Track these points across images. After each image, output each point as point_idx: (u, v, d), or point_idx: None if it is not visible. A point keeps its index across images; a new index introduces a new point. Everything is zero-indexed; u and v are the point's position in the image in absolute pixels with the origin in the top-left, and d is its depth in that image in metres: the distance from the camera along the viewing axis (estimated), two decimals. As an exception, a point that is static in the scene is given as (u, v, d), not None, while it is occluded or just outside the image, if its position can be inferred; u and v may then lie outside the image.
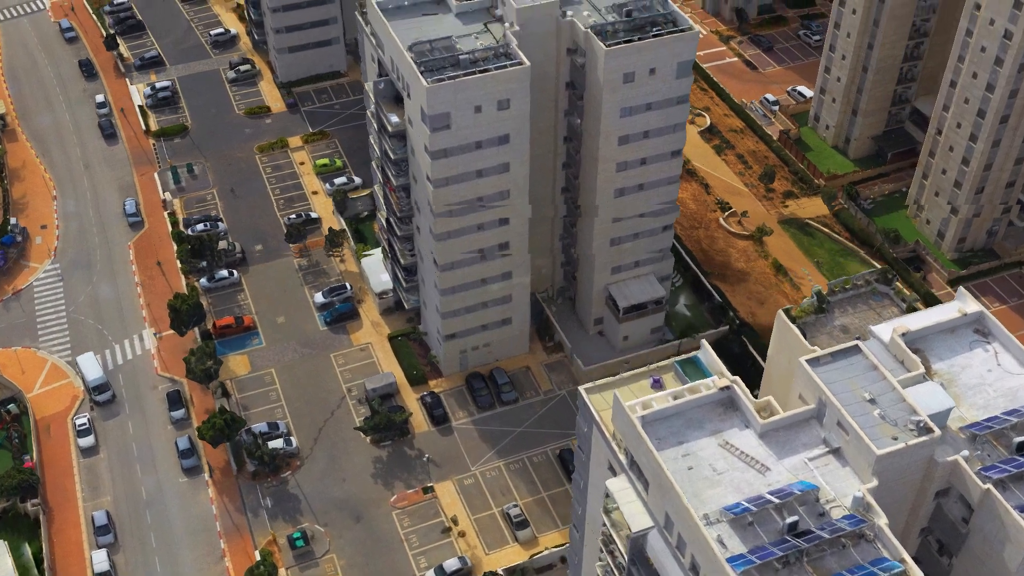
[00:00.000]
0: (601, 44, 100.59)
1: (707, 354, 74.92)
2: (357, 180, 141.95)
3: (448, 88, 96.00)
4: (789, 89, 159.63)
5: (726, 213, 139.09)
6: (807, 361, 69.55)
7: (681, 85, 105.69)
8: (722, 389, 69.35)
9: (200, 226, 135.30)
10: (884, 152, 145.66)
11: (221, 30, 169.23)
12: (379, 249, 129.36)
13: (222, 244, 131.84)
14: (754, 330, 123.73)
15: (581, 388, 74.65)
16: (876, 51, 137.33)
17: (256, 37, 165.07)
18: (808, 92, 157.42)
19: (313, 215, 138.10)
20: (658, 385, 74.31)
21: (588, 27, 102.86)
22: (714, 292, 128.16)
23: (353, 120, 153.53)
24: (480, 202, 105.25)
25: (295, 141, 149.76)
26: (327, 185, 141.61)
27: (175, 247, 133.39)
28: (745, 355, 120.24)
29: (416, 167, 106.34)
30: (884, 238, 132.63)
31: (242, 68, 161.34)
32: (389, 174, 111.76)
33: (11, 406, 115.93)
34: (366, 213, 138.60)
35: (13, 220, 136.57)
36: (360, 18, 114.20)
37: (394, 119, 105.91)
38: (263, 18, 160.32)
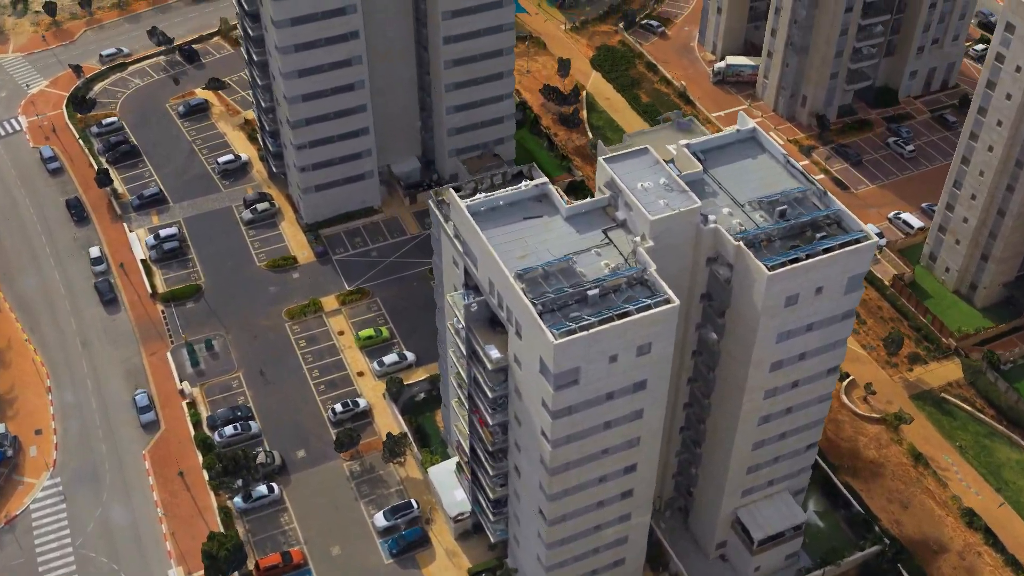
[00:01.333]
0: (761, 266, 79.68)
1: None
2: (410, 357, 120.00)
3: (580, 343, 74.60)
4: (891, 216, 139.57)
5: (845, 382, 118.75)
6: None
7: (849, 300, 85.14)
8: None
9: (229, 429, 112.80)
10: (1018, 302, 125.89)
11: (230, 157, 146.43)
12: (452, 461, 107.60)
13: (259, 457, 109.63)
14: (906, 549, 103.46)
15: None
16: (1019, 195, 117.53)
17: (274, 169, 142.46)
18: (913, 220, 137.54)
19: (362, 403, 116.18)
20: None
21: (737, 236, 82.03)
22: (850, 497, 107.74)
23: (394, 271, 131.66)
24: (605, 454, 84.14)
25: (330, 302, 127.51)
26: (375, 364, 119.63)
27: (200, 456, 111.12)
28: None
29: (522, 410, 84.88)
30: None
31: (259, 207, 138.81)
32: (482, 407, 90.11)
33: None
34: (423, 396, 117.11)
35: (1, 427, 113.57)
36: (435, 209, 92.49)
37: (494, 354, 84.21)
38: (282, 150, 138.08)
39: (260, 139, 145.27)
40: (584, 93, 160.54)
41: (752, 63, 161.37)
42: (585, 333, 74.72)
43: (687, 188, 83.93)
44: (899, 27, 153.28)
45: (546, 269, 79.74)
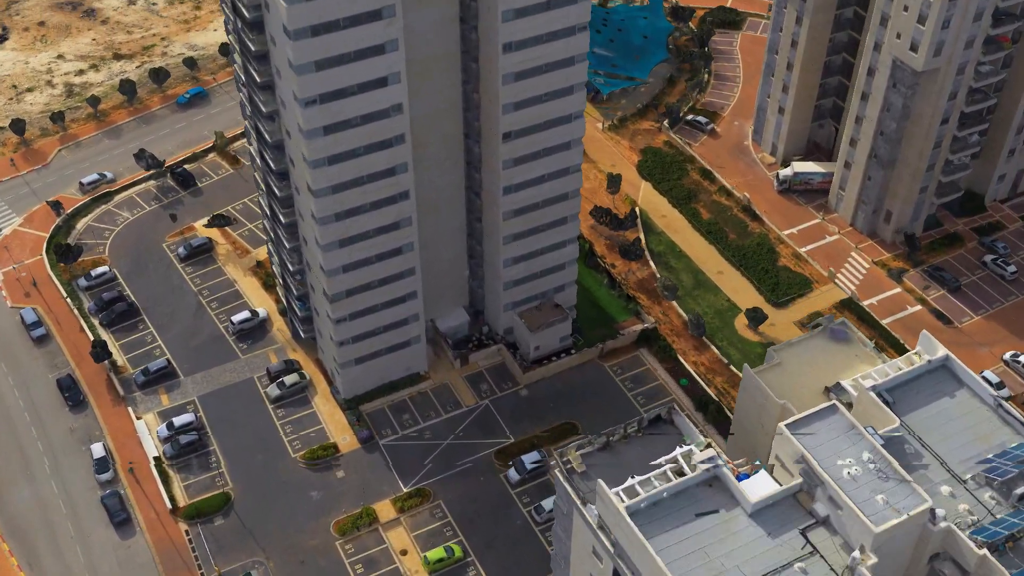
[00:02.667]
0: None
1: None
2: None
3: None
4: (1008, 358, 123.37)
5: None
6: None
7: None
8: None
9: None
10: None
11: (246, 315, 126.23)
12: None
13: None
14: None
15: None
16: None
17: (302, 334, 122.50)
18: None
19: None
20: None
21: (977, 539, 64.57)
22: None
23: (455, 458, 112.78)
24: None
25: (385, 510, 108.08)
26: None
27: None
28: None
29: None
30: None
31: (287, 381, 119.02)
32: None
33: None
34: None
35: None
36: (566, 483, 73.66)
37: None
38: (312, 314, 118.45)
39: (282, 298, 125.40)
40: (637, 210, 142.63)
41: (822, 170, 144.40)
42: None
43: (906, 476, 66.24)
44: (988, 130, 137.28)
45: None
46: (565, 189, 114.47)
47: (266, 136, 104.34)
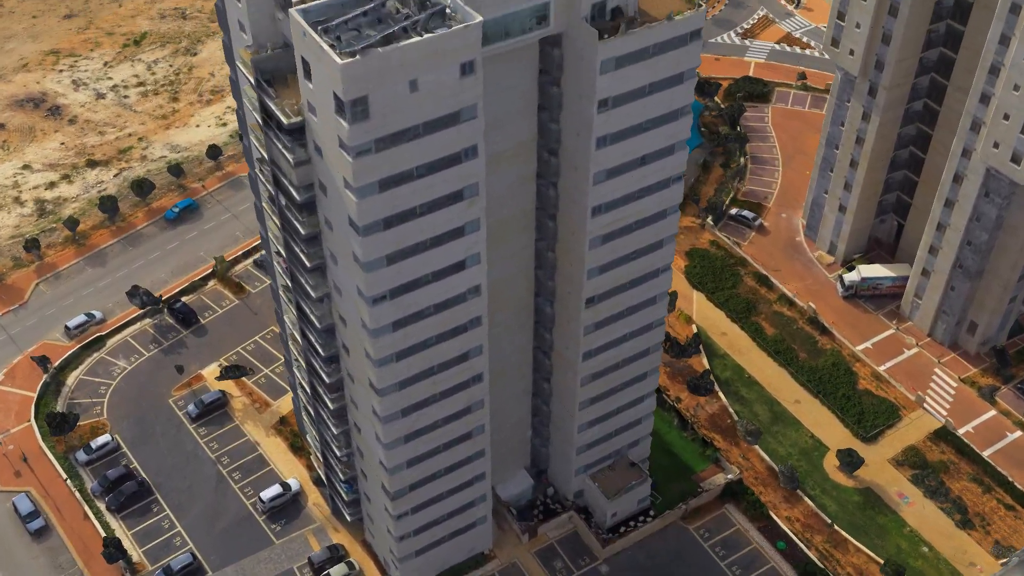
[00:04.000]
0: None
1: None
2: None
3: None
4: None
5: None
6: None
7: None
8: None
9: None
10: None
11: (277, 489, 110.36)
12: None
13: None
14: None
15: None
16: None
17: (348, 518, 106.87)
18: None
19: None
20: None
21: None
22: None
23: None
24: None
25: None
26: None
27: None
28: None
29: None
30: None
31: (334, 574, 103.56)
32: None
33: None
34: None
35: None
36: None
37: None
38: (361, 499, 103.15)
39: (320, 472, 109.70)
40: (695, 328, 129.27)
41: (892, 274, 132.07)
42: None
43: None
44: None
45: None
46: (647, 344, 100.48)
47: (314, 320, 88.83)
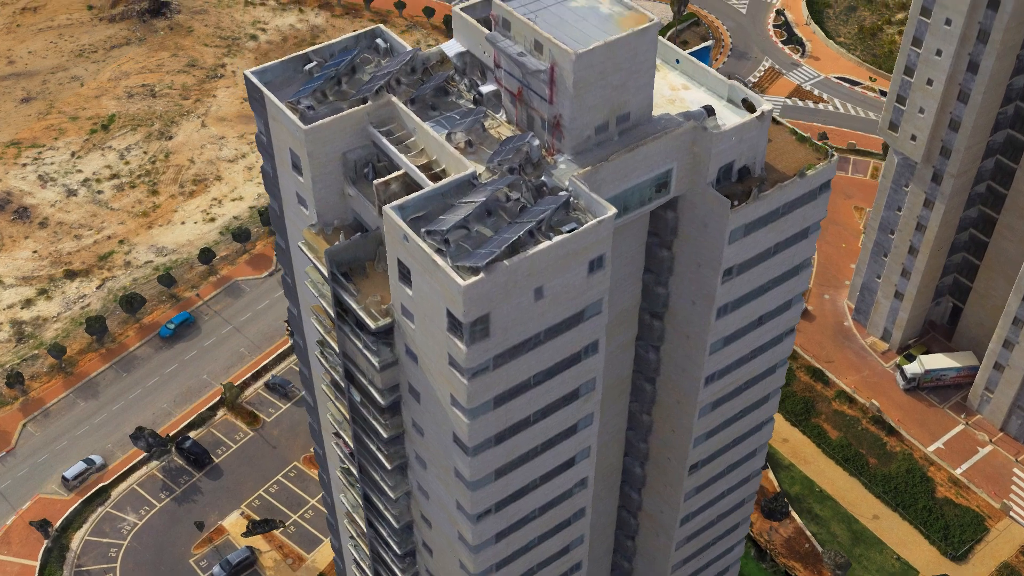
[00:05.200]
0: None
1: None
2: None
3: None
4: None
5: None
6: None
7: None
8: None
9: None
10: None
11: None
12: None
13: None
14: None
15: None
16: None
17: None
18: None
19: None
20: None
21: None
22: None
23: None
24: None
25: None
26: None
27: None
28: None
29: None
30: None
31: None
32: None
33: None
34: None
35: None
36: None
37: None
38: None
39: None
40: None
41: (957, 365, 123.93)
42: None
43: None
44: None
45: None
46: (743, 496, 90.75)
47: (389, 518, 77.38)
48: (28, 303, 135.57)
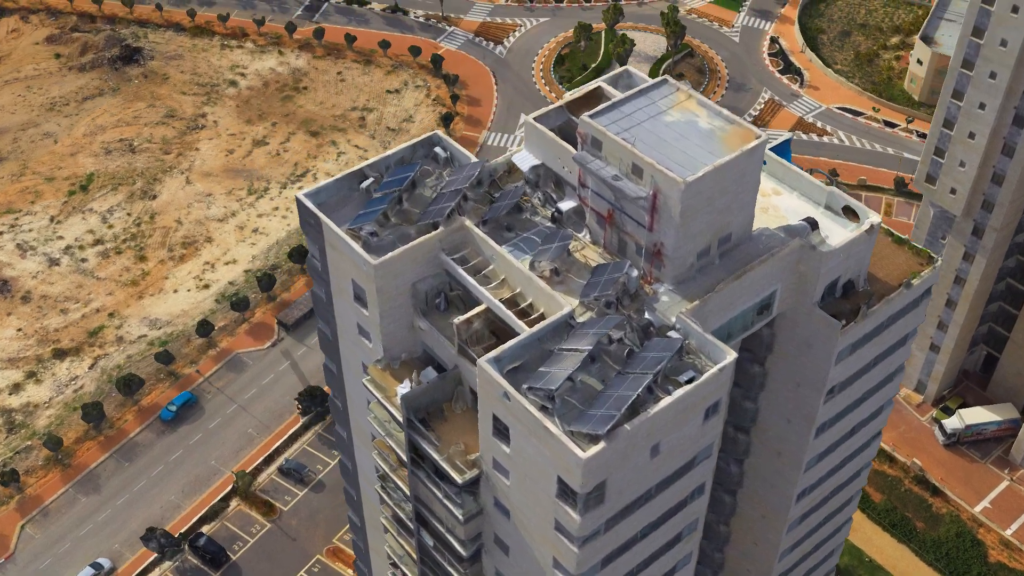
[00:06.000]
0: None
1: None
2: None
3: None
4: None
5: None
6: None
7: None
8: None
9: None
10: None
11: None
12: None
13: None
14: None
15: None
16: None
17: None
18: None
19: None
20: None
21: None
22: None
23: None
24: None
25: None
26: None
27: None
28: None
29: None
30: None
31: None
32: None
33: None
34: None
35: None
36: None
37: None
38: None
39: None
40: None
41: (998, 418, 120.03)
42: None
43: None
44: None
45: None
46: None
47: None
48: (16, 388, 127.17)
